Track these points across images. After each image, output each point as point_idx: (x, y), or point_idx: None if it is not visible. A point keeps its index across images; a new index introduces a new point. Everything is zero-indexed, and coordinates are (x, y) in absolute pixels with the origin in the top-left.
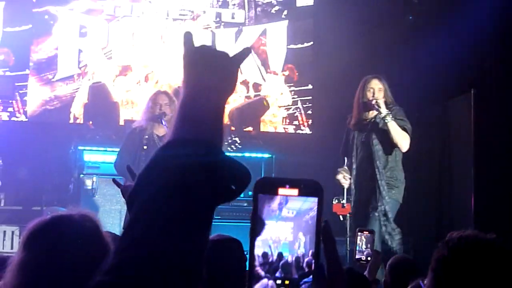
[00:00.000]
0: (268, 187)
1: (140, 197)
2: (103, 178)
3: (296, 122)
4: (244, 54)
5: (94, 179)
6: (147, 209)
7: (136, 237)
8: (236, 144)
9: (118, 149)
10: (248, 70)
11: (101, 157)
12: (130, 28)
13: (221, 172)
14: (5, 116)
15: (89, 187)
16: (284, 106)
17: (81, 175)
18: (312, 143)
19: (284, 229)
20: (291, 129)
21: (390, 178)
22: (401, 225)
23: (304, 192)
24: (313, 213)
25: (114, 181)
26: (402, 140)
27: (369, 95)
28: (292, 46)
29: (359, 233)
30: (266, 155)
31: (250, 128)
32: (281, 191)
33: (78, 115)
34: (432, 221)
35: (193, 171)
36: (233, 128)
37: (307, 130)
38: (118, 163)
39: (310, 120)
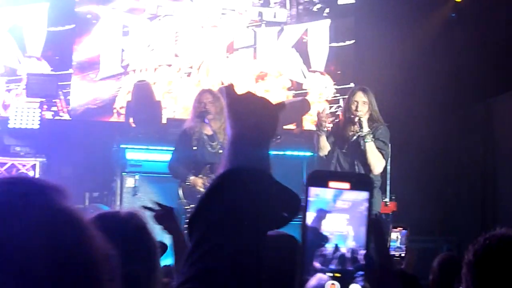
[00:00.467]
0: (320, 180)
1: (208, 217)
2: (145, 176)
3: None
4: (281, 106)
5: (136, 177)
6: (216, 226)
7: (210, 248)
8: (277, 141)
9: (160, 148)
10: (290, 69)
11: (143, 155)
12: (172, 27)
13: (274, 200)
14: (49, 115)
15: (131, 186)
16: (328, 101)
17: (123, 174)
18: None
19: (339, 221)
20: None
21: None
22: (445, 224)
23: (355, 186)
24: (365, 206)
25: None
26: (377, 162)
27: (353, 108)
28: (334, 44)
29: (393, 230)
30: (308, 154)
31: (292, 126)
32: (332, 184)
33: (121, 114)
34: (477, 221)
35: (250, 198)
36: None
37: None
38: (169, 163)
39: None
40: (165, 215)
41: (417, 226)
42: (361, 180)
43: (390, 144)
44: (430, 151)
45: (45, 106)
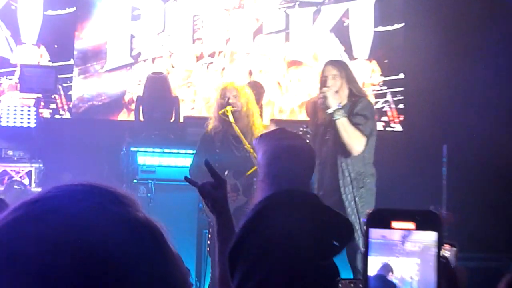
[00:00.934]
0: (381, 220)
1: (251, 251)
2: (159, 184)
3: (385, 118)
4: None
5: (149, 185)
6: (261, 259)
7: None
8: (308, 135)
9: (176, 151)
10: (328, 56)
11: (157, 159)
12: (191, 9)
13: (324, 227)
14: (46, 113)
15: (144, 195)
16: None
17: (134, 181)
18: (404, 143)
19: (405, 267)
20: (379, 125)
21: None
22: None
23: (422, 225)
24: (434, 249)
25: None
26: (353, 140)
27: (321, 85)
28: (380, 28)
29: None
30: None
31: None
32: (396, 224)
33: (131, 111)
34: None
35: (295, 225)
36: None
37: (398, 127)
38: (191, 167)
39: (402, 116)
40: (206, 187)
41: (478, 242)
42: (427, 219)
43: (375, 117)
44: (493, 156)
45: (42, 103)
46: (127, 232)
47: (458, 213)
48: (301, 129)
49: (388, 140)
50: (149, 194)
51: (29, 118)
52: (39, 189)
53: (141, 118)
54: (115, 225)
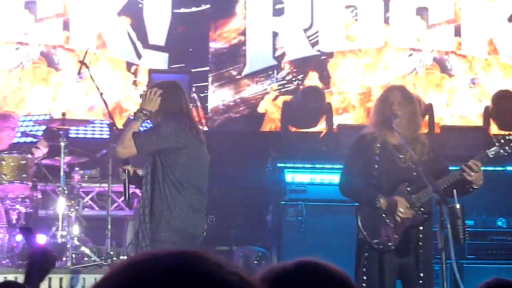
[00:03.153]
0: None
1: None
2: (312, 205)
3: None
4: None
5: (300, 207)
6: None
7: None
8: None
9: (330, 166)
10: None
11: (307, 176)
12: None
13: None
14: None
15: (293, 218)
16: None
17: (282, 202)
18: None
19: None
20: None
21: None
22: None
23: None
24: None
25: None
26: None
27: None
28: None
29: None
30: None
31: None
32: None
33: (274, 121)
34: None
35: None
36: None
37: None
38: (344, 184)
39: None
40: None
41: None
42: None
43: None
44: None
45: None
46: None
47: None
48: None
49: None
50: (299, 218)
51: None
52: None
53: (291, 128)
54: None
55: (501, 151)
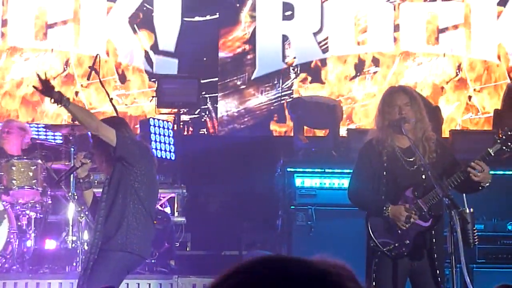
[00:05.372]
0: None
1: None
2: (322, 210)
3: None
4: None
5: (310, 211)
6: None
7: None
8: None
9: (340, 170)
10: None
11: (317, 181)
12: (351, 5)
13: None
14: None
15: (303, 223)
16: None
17: (292, 207)
18: None
19: None
20: None
21: None
22: None
23: None
24: None
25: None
26: None
27: None
28: None
29: None
30: None
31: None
32: None
33: (283, 125)
34: None
35: None
36: None
37: None
38: (352, 189)
39: None
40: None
41: None
42: None
43: None
44: None
45: (190, 128)
46: None
47: None
48: None
49: None
50: (309, 222)
51: (169, 137)
52: (182, 219)
53: (302, 134)
54: None
55: (503, 147)
